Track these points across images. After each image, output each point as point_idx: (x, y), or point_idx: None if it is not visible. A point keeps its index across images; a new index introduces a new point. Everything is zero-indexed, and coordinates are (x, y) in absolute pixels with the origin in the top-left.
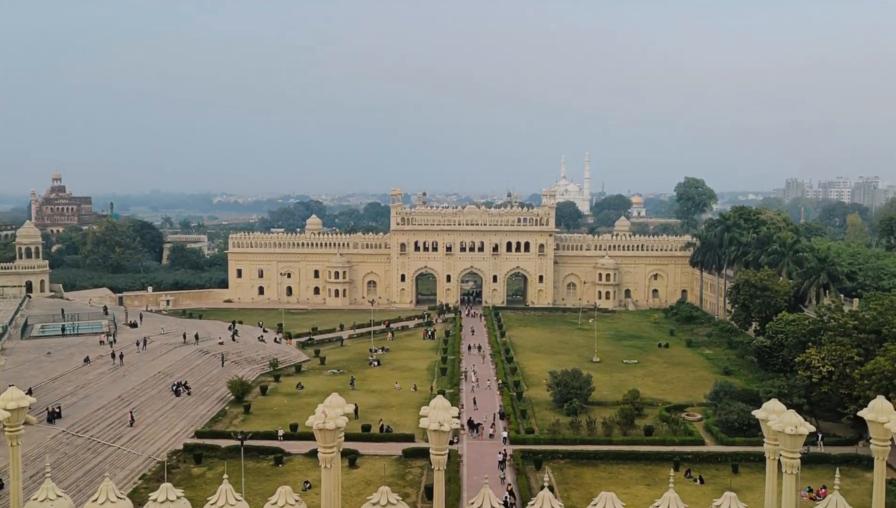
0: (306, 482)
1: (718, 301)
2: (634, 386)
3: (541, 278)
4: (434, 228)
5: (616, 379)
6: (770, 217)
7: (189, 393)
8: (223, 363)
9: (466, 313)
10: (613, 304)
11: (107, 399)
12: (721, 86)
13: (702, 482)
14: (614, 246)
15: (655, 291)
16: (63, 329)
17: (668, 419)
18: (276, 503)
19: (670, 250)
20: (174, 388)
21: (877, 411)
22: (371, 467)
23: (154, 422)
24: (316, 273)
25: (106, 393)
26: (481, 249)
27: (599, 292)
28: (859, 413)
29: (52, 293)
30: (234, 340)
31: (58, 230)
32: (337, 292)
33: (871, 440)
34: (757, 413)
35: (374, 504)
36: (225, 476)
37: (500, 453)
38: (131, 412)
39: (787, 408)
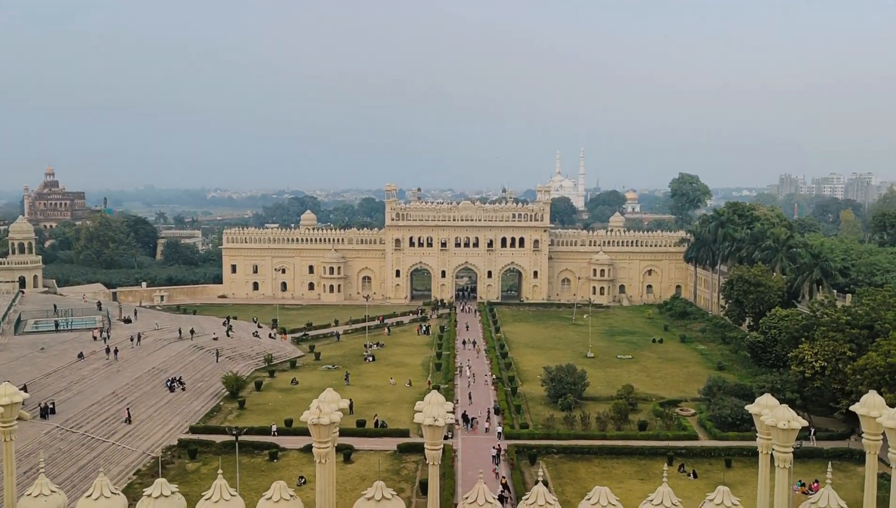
0: (301, 477)
1: (712, 297)
2: (628, 382)
3: (535, 273)
4: (429, 223)
5: (610, 375)
6: (764, 213)
7: (183, 389)
8: (217, 359)
9: (461, 308)
10: (608, 299)
11: (101, 395)
12: (715, 83)
13: (695, 476)
14: (609, 242)
15: (650, 286)
16: (56, 325)
17: (662, 415)
18: (270, 497)
19: (664, 245)
20: (168, 384)
21: (868, 405)
22: (366, 462)
23: (148, 418)
24: (310, 269)
25: (100, 389)
26: (476, 244)
27: (594, 288)
28: (851, 408)
29: (46, 289)
30: (228, 335)
31: (51, 226)
32: (331, 287)
33: (862, 435)
34: (750, 408)
35: (368, 499)
36: (219, 471)
37: (493, 448)
38: (128, 409)
39: (780, 403)
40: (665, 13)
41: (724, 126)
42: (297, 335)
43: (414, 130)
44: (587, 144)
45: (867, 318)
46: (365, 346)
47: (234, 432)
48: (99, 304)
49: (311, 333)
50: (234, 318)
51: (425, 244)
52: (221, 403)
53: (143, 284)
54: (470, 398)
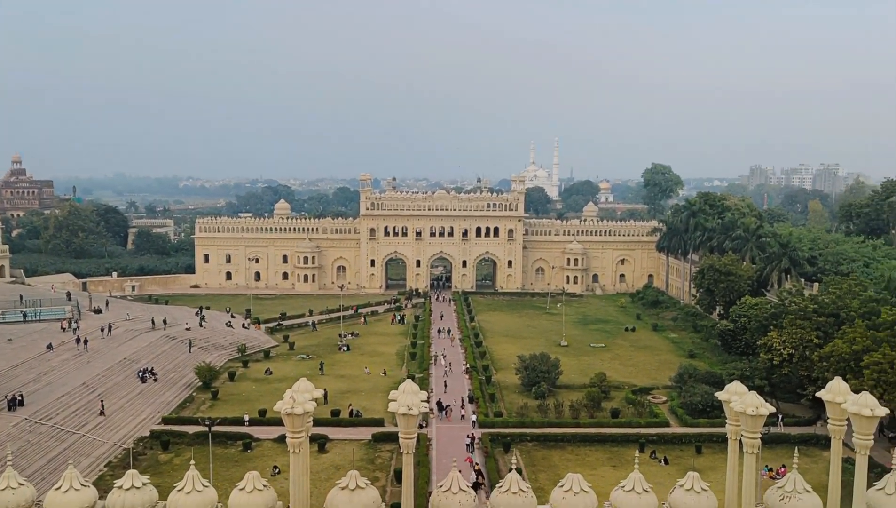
0: (275, 467)
1: (684, 286)
2: (601, 370)
3: (510, 263)
4: (404, 213)
5: (583, 363)
6: (734, 203)
7: (155, 380)
8: (190, 349)
9: (436, 297)
10: (581, 288)
11: (71, 386)
12: (688, 76)
13: (666, 462)
14: (582, 231)
15: (622, 275)
16: (24, 316)
17: (634, 402)
18: (244, 488)
19: (637, 235)
20: (140, 374)
21: (834, 392)
22: (340, 451)
23: (120, 409)
24: (284, 258)
25: (70, 380)
26: (451, 234)
27: (567, 277)
28: (817, 394)
29: (13, 279)
30: (201, 325)
31: (18, 215)
32: (306, 277)
33: (828, 421)
34: (719, 395)
35: (342, 489)
36: (192, 462)
37: (468, 436)
38: (101, 401)
39: (749, 390)
40: (640, 7)
41: (697, 117)
42: (270, 324)
43: (389, 119)
44: (561, 135)
45: (833, 306)
46: (340, 336)
47: (208, 422)
48: (68, 294)
49: (286, 323)
50: (207, 308)
51: (400, 234)
52: (194, 393)
53: (114, 274)
54: (445, 386)
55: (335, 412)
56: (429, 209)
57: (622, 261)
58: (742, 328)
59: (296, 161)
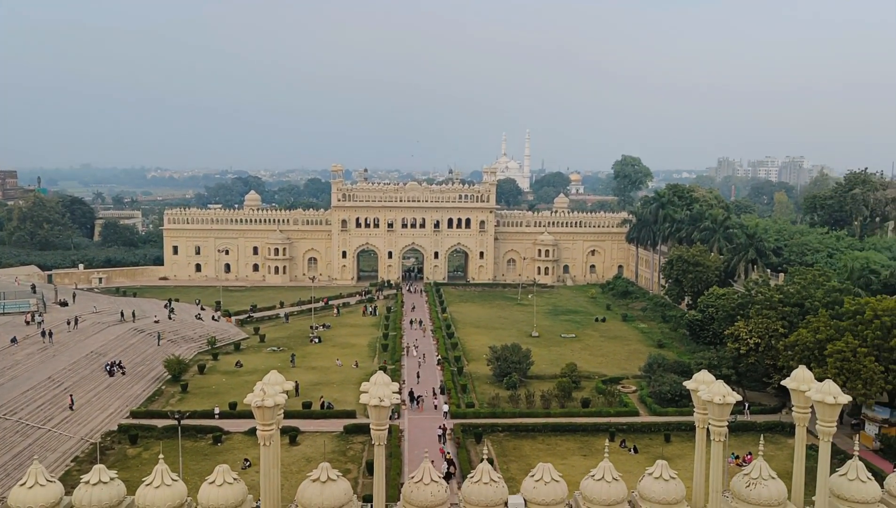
0: (246, 460)
1: (653, 276)
2: (572, 360)
3: (481, 254)
4: (375, 204)
5: (554, 353)
6: (702, 195)
7: (123, 373)
8: (159, 342)
9: (408, 289)
10: (552, 279)
11: (36, 380)
12: (655, 69)
13: (636, 451)
14: (553, 223)
15: (593, 266)
16: None
17: (604, 392)
18: (213, 481)
19: (607, 226)
20: (108, 368)
21: (798, 380)
22: (312, 444)
23: (87, 403)
24: (255, 250)
25: (35, 374)
26: (423, 225)
27: (539, 268)
28: (783, 383)
29: None
30: (170, 318)
31: None
32: (277, 268)
33: (793, 408)
34: (688, 384)
35: (314, 481)
36: (161, 455)
37: (440, 427)
38: (71, 396)
39: (717, 379)
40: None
41: (666, 110)
42: (241, 317)
43: (361, 110)
44: (532, 127)
45: (798, 296)
46: (311, 327)
47: (177, 416)
48: (33, 287)
49: (256, 315)
50: (177, 300)
51: (372, 225)
52: (163, 387)
53: (81, 266)
54: (418, 377)
55: (307, 405)
56: (400, 201)
57: (592, 252)
58: (710, 317)
59: (266, 152)
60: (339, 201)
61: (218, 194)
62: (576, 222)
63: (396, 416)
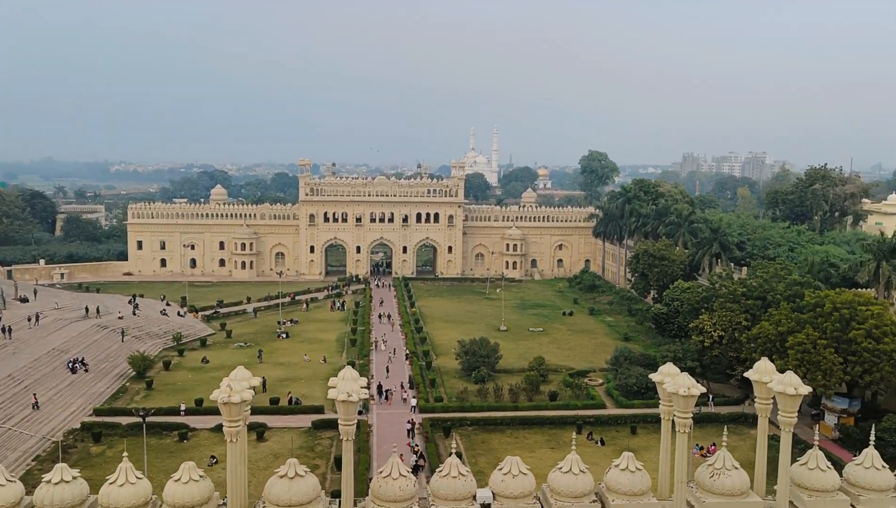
0: (212, 457)
1: (619, 270)
2: (540, 353)
3: (450, 248)
4: (343, 198)
5: (522, 347)
6: (668, 190)
7: (86, 370)
8: (123, 338)
9: (376, 284)
10: (520, 274)
11: None
12: (621, 64)
13: (602, 443)
14: (521, 217)
15: (560, 261)
16: None
17: (572, 385)
18: (179, 479)
19: (574, 221)
20: (70, 365)
21: (761, 372)
22: (279, 439)
23: (49, 401)
24: (221, 245)
25: None
26: (391, 220)
27: (507, 263)
28: (745, 374)
29: None
30: (134, 314)
31: None
32: (243, 263)
33: (755, 400)
34: (653, 377)
35: (281, 477)
36: (125, 453)
37: (408, 422)
38: (35, 395)
39: (682, 371)
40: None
41: (632, 105)
42: (207, 312)
43: (328, 104)
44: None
45: (761, 289)
46: (278, 323)
47: (141, 413)
48: None
49: (223, 310)
50: (141, 296)
51: (340, 220)
52: (128, 384)
53: (42, 261)
54: (387, 371)
55: (274, 400)
56: (369, 195)
57: (560, 246)
58: (675, 311)
59: (232, 146)
60: (306, 195)
61: (183, 188)
62: (543, 217)
63: (365, 411)
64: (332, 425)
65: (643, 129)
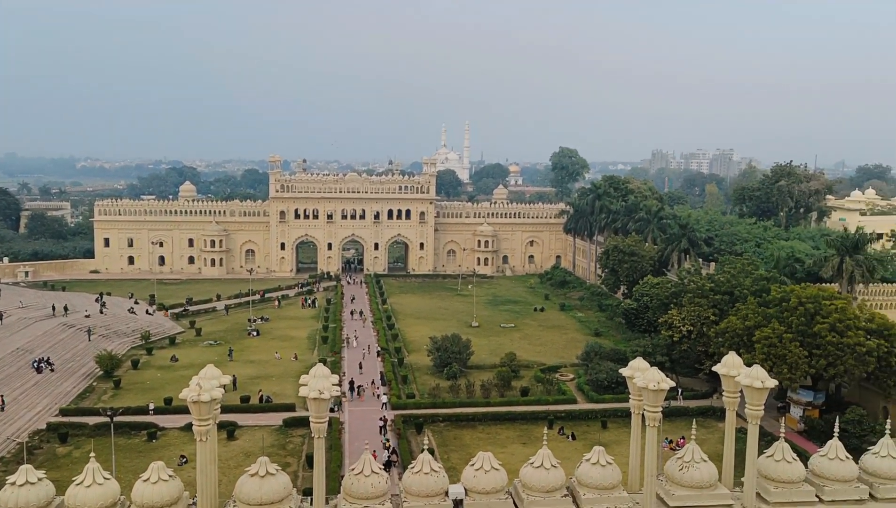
0: (182, 456)
1: (590, 266)
2: (511, 349)
3: (422, 245)
4: (315, 195)
5: (494, 343)
6: (637, 186)
7: (52, 370)
8: (90, 337)
9: (348, 280)
10: (491, 270)
11: None
12: (591, 61)
13: (574, 438)
14: (492, 214)
15: (531, 257)
16: None
17: (543, 380)
18: (148, 479)
19: (545, 217)
20: (35, 365)
21: (728, 365)
22: (250, 438)
23: (13, 401)
24: (190, 242)
25: None
26: (363, 216)
27: (478, 259)
28: (714, 368)
29: None
30: (101, 312)
31: None
32: (213, 261)
33: (723, 393)
34: (623, 371)
35: (252, 476)
36: (92, 454)
37: (380, 419)
38: (1, 396)
39: (651, 366)
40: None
41: (602, 102)
42: (176, 310)
43: (299, 101)
44: (471, 118)
45: (728, 285)
46: (249, 321)
47: (109, 412)
48: None
49: (192, 308)
50: (108, 294)
51: (311, 217)
52: (95, 383)
53: (5, 259)
54: (360, 367)
55: (245, 399)
56: (340, 192)
57: (531, 243)
58: (644, 306)
59: (202, 142)
60: (277, 191)
61: (151, 184)
62: (515, 214)
63: (336, 409)
64: (304, 423)
65: (613, 126)
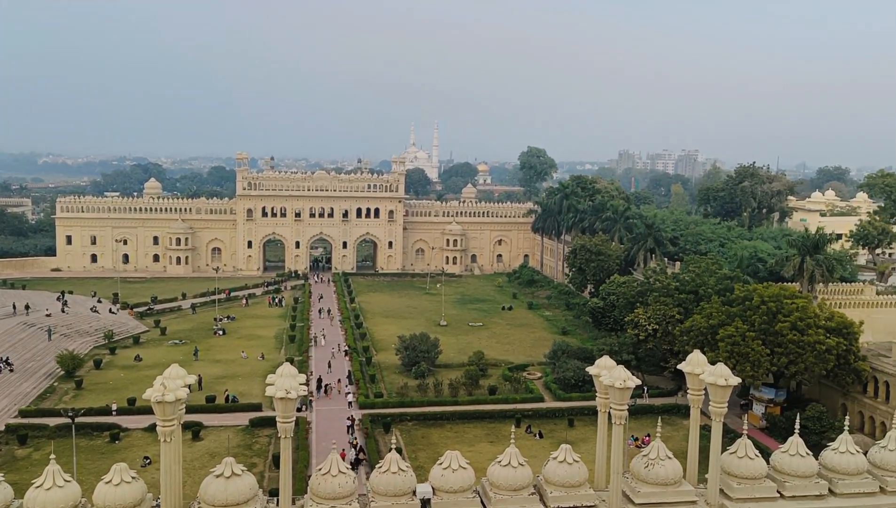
0: (146, 457)
1: (558, 265)
2: (479, 348)
3: (390, 243)
4: (282, 193)
5: (462, 341)
6: (604, 186)
7: (11, 370)
8: (51, 337)
9: (316, 279)
10: (460, 269)
11: None
12: (559, 61)
13: (541, 436)
14: (461, 212)
15: (500, 256)
16: None
17: (511, 379)
18: (110, 481)
19: (514, 216)
20: None
21: (693, 363)
22: (216, 438)
23: None
24: (155, 240)
25: None
26: (331, 215)
27: (447, 258)
28: (679, 366)
29: None
30: (63, 311)
31: None
32: (178, 259)
33: (688, 391)
34: (590, 370)
35: (217, 476)
36: (52, 456)
37: (348, 418)
38: None
39: (618, 364)
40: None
41: (569, 102)
42: (141, 309)
43: (267, 97)
44: (440, 117)
45: (693, 284)
46: (215, 320)
47: (70, 413)
48: None
49: (157, 307)
50: (70, 292)
51: (279, 215)
52: (56, 383)
53: None
54: (329, 366)
55: (210, 398)
56: (308, 190)
57: (499, 242)
58: (611, 305)
59: (168, 138)
60: (244, 189)
61: (115, 181)
62: (483, 213)
63: (304, 408)
64: (271, 422)
65: (581, 126)
